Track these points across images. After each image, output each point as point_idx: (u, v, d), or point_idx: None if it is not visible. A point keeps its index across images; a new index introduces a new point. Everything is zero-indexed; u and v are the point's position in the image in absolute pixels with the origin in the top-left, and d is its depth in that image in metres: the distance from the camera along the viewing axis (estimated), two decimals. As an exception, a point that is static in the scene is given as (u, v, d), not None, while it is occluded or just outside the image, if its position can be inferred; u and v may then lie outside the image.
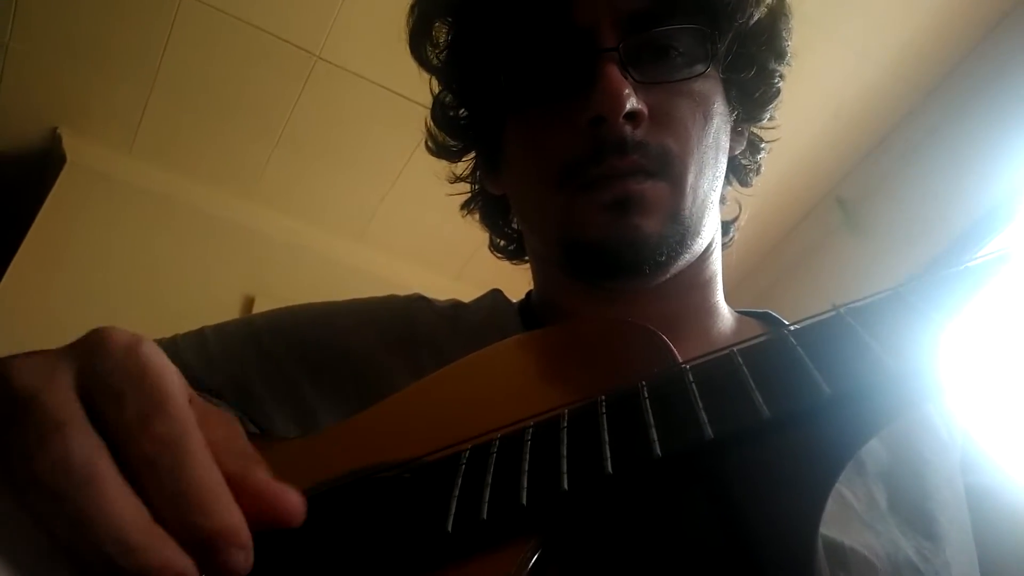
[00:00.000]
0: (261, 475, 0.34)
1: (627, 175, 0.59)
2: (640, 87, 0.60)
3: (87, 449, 0.30)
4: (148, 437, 0.31)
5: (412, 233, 2.56)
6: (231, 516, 0.31)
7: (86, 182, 2.31)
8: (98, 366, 0.32)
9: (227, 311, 2.26)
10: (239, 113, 2.30)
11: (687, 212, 0.61)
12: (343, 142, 2.35)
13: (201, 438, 0.32)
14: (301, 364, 0.69)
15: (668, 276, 0.63)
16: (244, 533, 0.31)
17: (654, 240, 0.60)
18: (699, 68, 0.62)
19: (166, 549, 0.29)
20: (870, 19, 2.04)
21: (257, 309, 2.31)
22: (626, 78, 0.59)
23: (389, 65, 2.08)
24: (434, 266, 2.59)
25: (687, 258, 0.64)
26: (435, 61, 0.73)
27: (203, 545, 0.30)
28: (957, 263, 0.36)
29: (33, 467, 0.29)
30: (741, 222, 0.79)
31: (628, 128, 0.59)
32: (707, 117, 0.63)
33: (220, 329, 0.72)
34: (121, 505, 0.29)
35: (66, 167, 2.28)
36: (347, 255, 2.59)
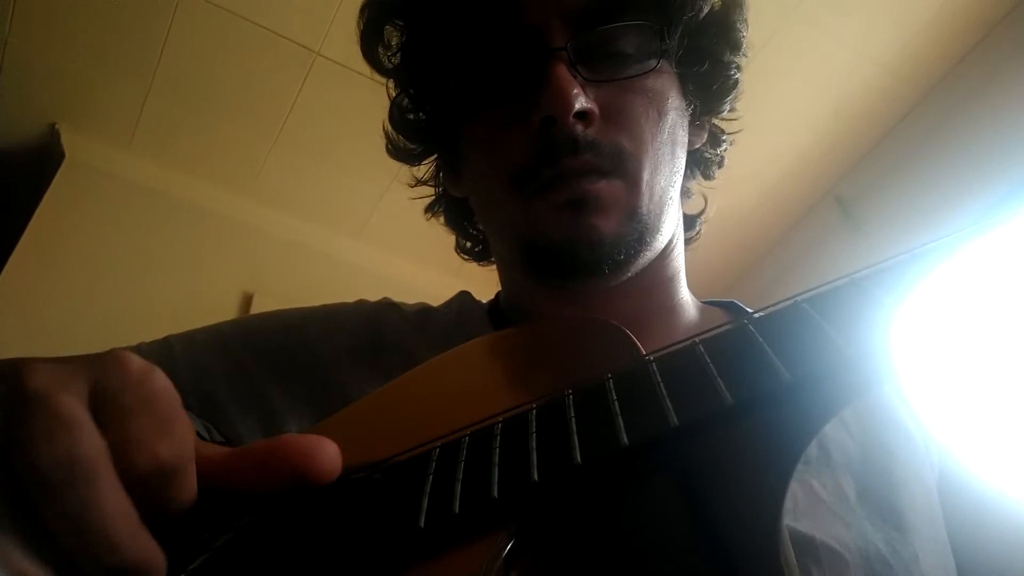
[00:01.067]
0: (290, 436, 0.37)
1: (581, 175, 0.59)
2: (590, 85, 0.60)
3: (93, 449, 0.31)
4: (150, 457, 0.32)
5: (411, 230, 2.56)
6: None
7: (85, 178, 2.31)
8: (112, 383, 0.33)
9: (225, 308, 2.28)
10: (238, 110, 2.30)
11: (644, 210, 0.61)
12: (342, 139, 2.35)
13: (193, 458, 0.34)
14: (269, 371, 0.68)
15: (629, 274, 0.63)
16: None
17: (611, 239, 0.60)
18: (650, 64, 0.62)
19: (147, 545, 0.31)
20: (869, 18, 2.04)
21: (256, 306, 2.31)
22: (575, 77, 0.59)
23: (388, 62, 2.08)
24: (432, 263, 2.60)
25: (648, 256, 0.64)
26: (388, 64, 0.73)
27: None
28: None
29: (38, 460, 0.30)
30: (708, 215, 0.79)
31: (579, 127, 0.59)
32: (661, 113, 0.63)
33: (186, 338, 0.72)
34: (116, 506, 0.31)
35: (65, 163, 2.28)
36: (346, 252, 2.60)
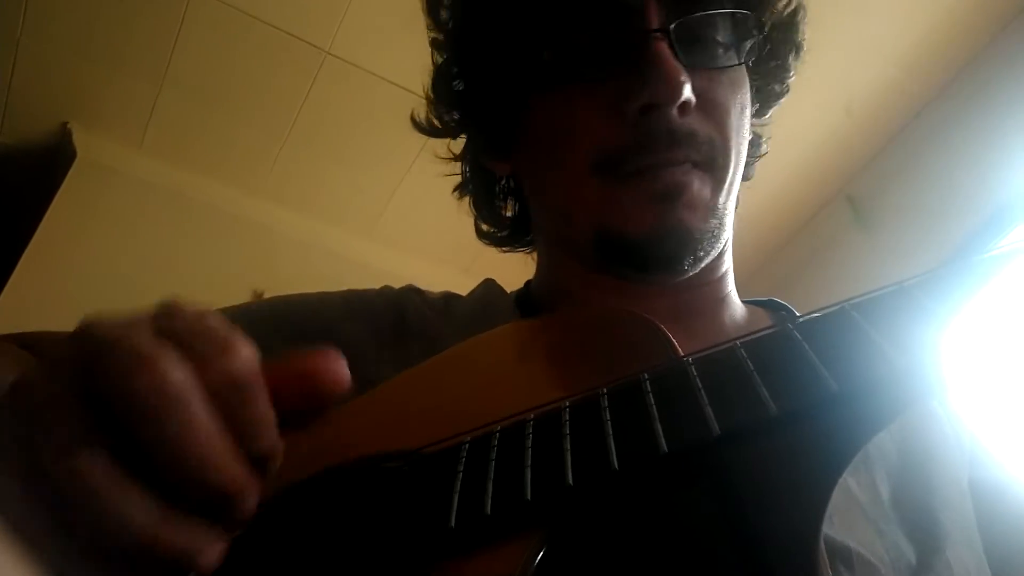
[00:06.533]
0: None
1: (674, 164, 0.57)
2: (688, 73, 0.57)
3: (180, 374, 0.31)
4: (218, 373, 0.32)
5: (421, 228, 2.56)
6: (277, 439, 0.34)
7: (96, 177, 2.31)
8: (172, 323, 0.34)
9: (236, 306, 2.27)
10: (248, 109, 2.30)
11: (722, 206, 0.60)
12: (352, 138, 2.35)
13: (259, 373, 0.34)
14: (289, 351, 0.68)
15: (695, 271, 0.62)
16: (281, 453, 0.34)
17: (696, 234, 0.58)
18: (740, 56, 0.61)
19: (242, 467, 0.32)
20: (881, 16, 2.03)
21: (266, 305, 2.30)
22: (677, 63, 0.56)
23: (399, 61, 2.08)
24: (443, 261, 2.59)
25: (715, 253, 0.62)
26: (450, 25, 0.70)
27: (258, 461, 0.33)
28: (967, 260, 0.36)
29: (132, 388, 0.30)
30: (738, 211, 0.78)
31: (678, 118, 0.56)
32: (743, 107, 0.62)
33: None
34: (211, 428, 0.31)
35: (76, 162, 2.28)
36: (356, 251, 2.59)
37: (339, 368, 0.37)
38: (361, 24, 2.05)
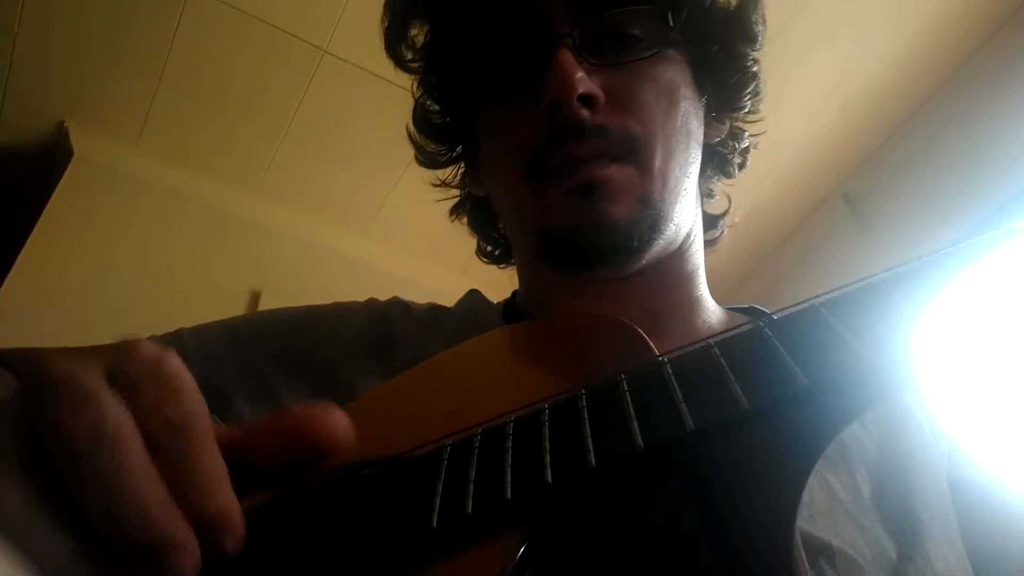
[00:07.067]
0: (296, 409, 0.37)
1: (590, 160, 0.59)
2: (597, 71, 0.60)
3: (119, 417, 0.31)
4: (160, 420, 0.32)
5: (418, 227, 2.56)
6: (230, 502, 0.32)
7: (93, 176, 2.32)
8: (124, 364, 0.33)
9: (233, 306, 2.28)
10: (246, 108, 2.30)
11: (657, 196, 0.61)
12: (349, 137, 2.36)
13: (209, 424, 0.33)
14: (277, 366, 0.69)
15: (645, 264, 0.63)
16: (239, 521, 0.33)
17: (624, 225, 0.59)
18: (655, 48, 0.62)
19: (177, 521, 0.30)
20: (876, 14, 2.03)
21: (263, 304, 2.31)
22: (581, 63, 0.59)
23: (395, 60, 2.08)
24: (440, 260, 2.59)
25: (662, 244, 0.63)
26: (412, 62, 0.74)
27: (203, 524, 0.31)
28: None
29: (65, 428, 0.30)
30: (735, 218, 0.78)
31: (585, 112, 0.59)
32: (673, 100, 0.63)
33: (198, 330, 0.72)
34: (144, 474, 0.30)
35: (73, 161, 2.29)
36: (353, 249, 2.60)
37: (335, 422, 0.37)
38: (359, 23, 2.05)
